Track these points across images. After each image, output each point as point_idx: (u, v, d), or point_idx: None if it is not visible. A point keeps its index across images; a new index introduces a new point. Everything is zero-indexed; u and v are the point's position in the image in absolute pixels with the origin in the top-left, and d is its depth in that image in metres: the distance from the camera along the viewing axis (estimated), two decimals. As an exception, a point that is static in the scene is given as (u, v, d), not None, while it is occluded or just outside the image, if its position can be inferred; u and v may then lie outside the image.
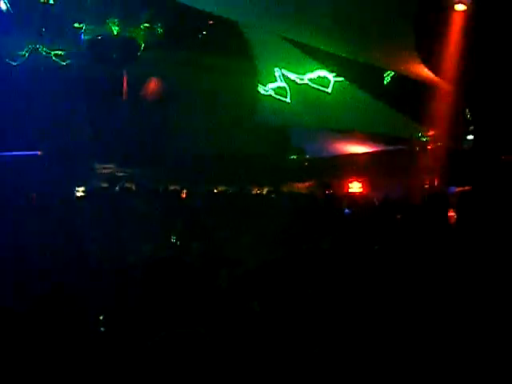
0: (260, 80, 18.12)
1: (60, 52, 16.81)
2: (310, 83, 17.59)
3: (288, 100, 17.88)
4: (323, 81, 17.43)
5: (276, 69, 17.78)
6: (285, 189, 16.72)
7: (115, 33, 15.95)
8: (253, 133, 17.29)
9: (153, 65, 17.05)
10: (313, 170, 17.38)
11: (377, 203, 14.23)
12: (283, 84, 18.00)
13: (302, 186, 17.26)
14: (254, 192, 16.79)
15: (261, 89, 18.37)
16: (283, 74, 17.85)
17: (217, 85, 17.29)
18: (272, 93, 18.22)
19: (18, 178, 14.48)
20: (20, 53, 16.49)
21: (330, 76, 17.32)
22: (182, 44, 17.19)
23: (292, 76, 17.80)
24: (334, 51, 16.38)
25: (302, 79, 17.69)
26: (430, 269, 2.93)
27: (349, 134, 17.43)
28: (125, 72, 16.93)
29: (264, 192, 16.73)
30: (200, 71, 17.29)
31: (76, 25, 16.08)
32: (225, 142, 17.14)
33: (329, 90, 17.28)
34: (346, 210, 12.57)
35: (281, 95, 18.07)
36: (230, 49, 17.11)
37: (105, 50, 15.90)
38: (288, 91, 17.91)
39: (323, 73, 17.44)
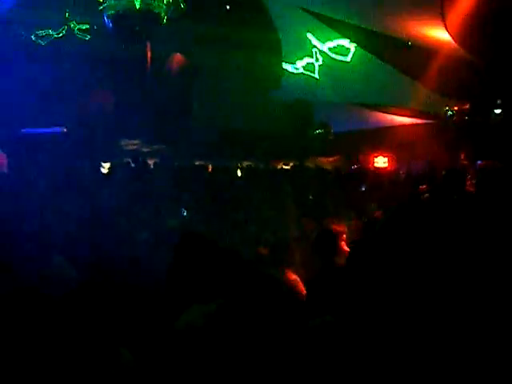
0: (285, 54, 17.95)
1: (84, 27, 16.80)
2: (329, 53, 17.42)
3: (316, 75, 17.70)
4: (342, 50, 17.28)
5: (301, 42, 17.60)
6: (310, 164, 16.68)
7: (138, 7, 15.88)
8: (277, 107, 17.21)
9: (175, 39, 16.96)
10: (338, 144, 17.27)
11: (402, 177, 14.19)
12: (310, 60, 17.81)
13: (326, 161, 17.19)
14: (278, 167, 16.80)
15: (286, 63, 18.20)
16: (308, 47, 17.65)
17: (241, 59, 17.16)
18: (298, 67, 18.04)
19: (45, 154, 14.61)
20: (48, 31, 16.53)
21: (352, 46, 17.13)
22: (205, 18, 17.06)
23: (315, 47, 17.61)
24: (356, 22, 16.23)
25: (323, 51, 17.53)
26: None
27: (374, 108, 17.26)
28: (148, 46, 16.89)
29: (289, 167, 16.73)
30: (224, 45, 17.19)
31: (99, -1, 16.00)
32: (250, 116, 17.07)
33: (348, 59, 17.12)
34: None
35: (308, 70, 17.88)
36: (254, 22, 16.95)
37: (127, 24, 15.85)
38: (314, 66, 17.71)
39: (343, 42, 17.25)
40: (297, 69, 17.91)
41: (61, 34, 16.55)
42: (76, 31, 16.71)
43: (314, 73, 17.72)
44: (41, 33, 16.38)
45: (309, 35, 17.48)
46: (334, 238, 4.91)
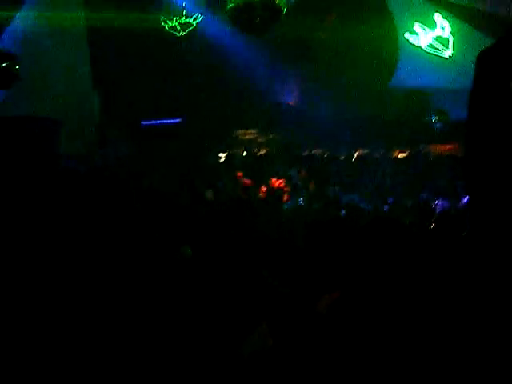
0: (400, 39, 16.88)
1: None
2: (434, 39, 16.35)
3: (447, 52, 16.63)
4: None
5: (418, 24, 16.47)
6: (427, 151, 16.71)
7: (258, -1, 15.40)
8: (394, 94, 16.77)
9: (294, 29, 16.34)
10: (456, 132, 16.97)
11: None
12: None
13: (444, 149, 17.08)
14: (395, 155, 16.93)
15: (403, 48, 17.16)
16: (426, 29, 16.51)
17: (357, 47, 16.46)
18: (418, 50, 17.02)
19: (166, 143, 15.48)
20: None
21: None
22: (321, 5, 16.25)
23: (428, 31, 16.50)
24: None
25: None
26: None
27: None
28: (267, 37, 16.50)
29: (405, 155, 16.84)
30: (341, 33, 16.50)
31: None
32: (366, 104, 16.81)
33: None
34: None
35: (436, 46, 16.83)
36: (371, 8, 16.02)
37: (249, 16, 15.54)
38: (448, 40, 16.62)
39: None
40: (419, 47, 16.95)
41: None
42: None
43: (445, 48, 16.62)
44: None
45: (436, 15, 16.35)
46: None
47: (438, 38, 16.07)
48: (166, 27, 15.48)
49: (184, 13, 15.90)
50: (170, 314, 3.32)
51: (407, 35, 16.41)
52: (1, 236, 4.45)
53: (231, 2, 14.59)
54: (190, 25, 15.67)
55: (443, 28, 15.81)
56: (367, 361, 2.49)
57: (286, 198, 12.93)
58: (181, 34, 15.66)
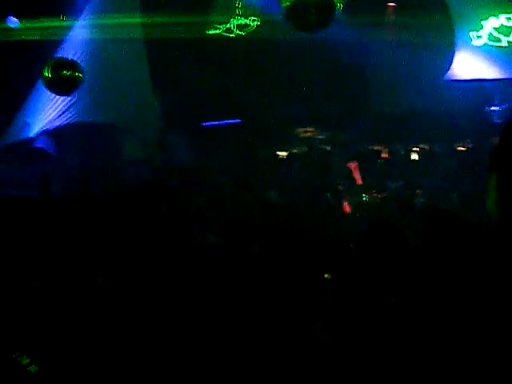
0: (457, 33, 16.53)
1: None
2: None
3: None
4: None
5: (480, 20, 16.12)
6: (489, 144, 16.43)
7: (313, -4, 15.39)
8: (452, 87, 16.52)
9: (347, 27, 16.25)
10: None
11: None
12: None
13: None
14: (457, 148, 16.70)
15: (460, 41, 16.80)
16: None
17: (413, 43, 16.25)
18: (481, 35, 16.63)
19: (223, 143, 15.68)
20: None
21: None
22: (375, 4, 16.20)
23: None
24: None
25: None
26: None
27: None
28: (323, 36, 16.47)
29: (465, 148, 16.60)
30: (396, 30, 16.36)
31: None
32: (423, 98, 16.63)
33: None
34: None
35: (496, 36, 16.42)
36: (427, 6, 15.84)
37: (304, 14, 15.53)
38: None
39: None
40: (479, 37, 16.60)
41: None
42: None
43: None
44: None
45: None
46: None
47: (500, 28, 15.72)
48: (219, 31, 15.58)
49: (240, 12, 15.97)
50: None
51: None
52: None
53: (287, 1, 14.64)
54: (247, 26, 15.74)
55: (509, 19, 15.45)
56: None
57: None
58: (236, 34, 15.72)
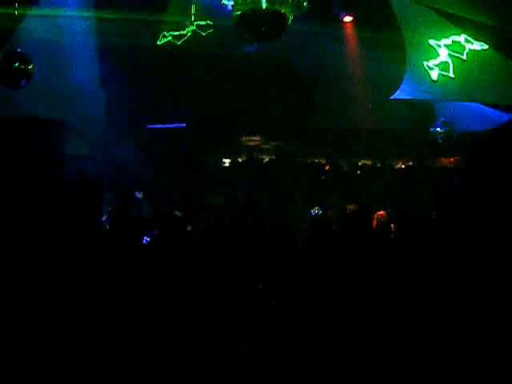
0: (409, 53, 16.77)
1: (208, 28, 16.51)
2: (446, 49, 16.16)
3: (450, 74, 16.46)
4: (458, 47, 16.00)
5: (430, 40, 16.36)
6: (429, 163, 16.72)
7: (263, 7, 15.55)
8: (397, 106, 16.77)
9: (298, 39, 16.42)
10: (461, 144, 16.91)
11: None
12: (442, 59, 16.50)
13: (447, 161, 17.08)
14: (398, 166, 16.98)
15: (413, 63, 17.05)
16: (438, 45, 16.34)
17: (362, 58, 16.51)
18: (432, 66, 16.81)
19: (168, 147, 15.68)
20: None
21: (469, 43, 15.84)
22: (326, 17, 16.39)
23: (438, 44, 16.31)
24: (482, 19, 14.92)
25: (439, 46, 16.21)
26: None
27: (498, 107, 16.36)
28: (272, 47, 16.64)
29: (407, 166, 16.89)
30: (344, 44, 16.60)
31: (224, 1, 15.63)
32: (368, 115, 16.86)
33: (464, 57, 15.92)
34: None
35: (443, 69, 16.64)
36: (377, 21, 16.05)
37: (254, 24, 15.66)
38: (449, 64, 16.44)
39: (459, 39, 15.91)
40: (430, 68, 16.74)
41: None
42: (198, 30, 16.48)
43: (448, 72, 16.47)
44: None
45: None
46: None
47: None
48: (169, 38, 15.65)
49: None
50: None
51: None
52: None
53: (237, 10, 14.71)
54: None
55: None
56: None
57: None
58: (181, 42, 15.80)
